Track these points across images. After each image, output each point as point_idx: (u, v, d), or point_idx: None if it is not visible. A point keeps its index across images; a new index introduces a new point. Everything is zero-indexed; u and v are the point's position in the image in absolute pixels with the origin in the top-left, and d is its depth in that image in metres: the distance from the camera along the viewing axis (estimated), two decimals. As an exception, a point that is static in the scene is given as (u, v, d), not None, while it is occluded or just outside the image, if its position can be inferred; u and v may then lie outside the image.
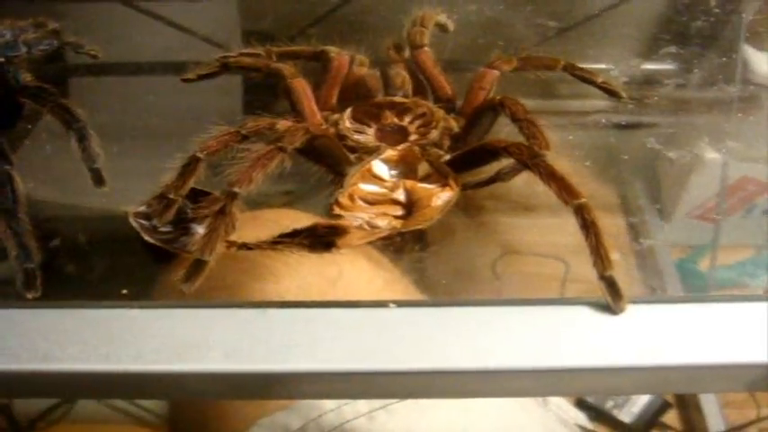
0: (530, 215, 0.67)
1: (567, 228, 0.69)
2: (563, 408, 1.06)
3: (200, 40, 0.93)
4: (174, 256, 0.65)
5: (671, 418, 1.46)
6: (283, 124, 0.63)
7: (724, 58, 0.86)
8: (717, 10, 0.92)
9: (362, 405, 0.81)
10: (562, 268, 0.68)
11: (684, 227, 0.81)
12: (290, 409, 0.80)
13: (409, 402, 0.83)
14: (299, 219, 0.69)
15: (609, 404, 1.48)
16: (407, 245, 0.68)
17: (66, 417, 1.56)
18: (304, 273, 0.70)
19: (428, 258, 0.67)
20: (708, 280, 0.70)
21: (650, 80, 0.84)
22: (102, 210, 0.69)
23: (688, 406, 1.45)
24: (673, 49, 0.87)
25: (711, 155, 0.76)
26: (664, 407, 1.47)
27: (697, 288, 0.75)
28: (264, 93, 0.79)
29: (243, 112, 0.86)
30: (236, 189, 0.57)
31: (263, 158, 0.57)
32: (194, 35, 0.93)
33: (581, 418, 1.26)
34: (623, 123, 0.79)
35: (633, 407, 1.48)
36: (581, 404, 1.44)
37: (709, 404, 1.41)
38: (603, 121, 0.80)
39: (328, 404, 0.79)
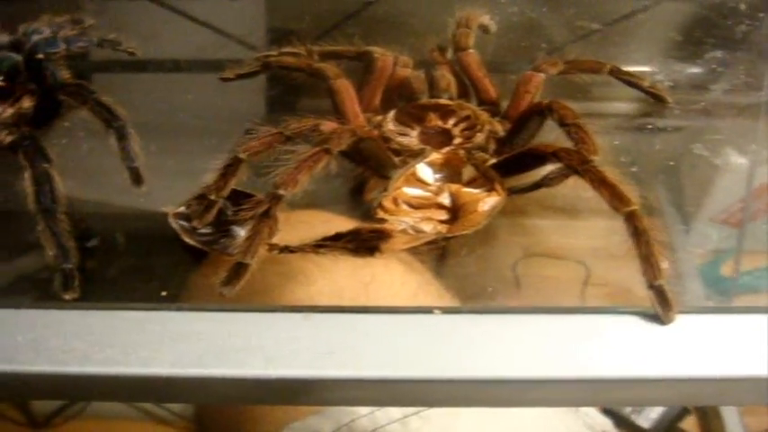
0: (550, 217, 0.66)
1: (587, 231, 0.68)
2: (590, 414, 1.05)
3: (227, 38, 0.92)
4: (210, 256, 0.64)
5: (689, 424, 1.45)
6: (327, 126, 0.61)
7: (757, 63, 0.85)
8: (756, 13, 0.90)
9: (395, 410, 0.80)
10: (583, 272, 0.67)
11: (708, 231, 0.79)
12: (323, 413, 0.79)
13: (441, 408, 0.81)
14: (331, 220, 0.68)
15: (627, 409, 1.46)
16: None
17: (82, 413, 1.56)
18: (337, 276, 0.69)
19: (448, 260, 0.66)
20: (730, 285, 0.69)
21: (683, 84, 0.82)
22: (139, 209, 0.68)
23: (706, 412, 1.43)
24: (705, 51, 0.85)
25: (737, 159, 0.74)
26: (682, 413, 1.45)
27: (719, 294, 0.74)
28: (292, 91, 0.79)
29: (268, 111, 0.84)
30: (281, 191, 0.56)
31: (310, 160, 0.56)
32: (221, 33, 0.92)
33: (608, 424, 1.24)
34: (651, 127, 0.78)
35: (652, 412, 1.46)
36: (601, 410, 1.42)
37: (729, 410, 1.39)
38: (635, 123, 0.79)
39: (361, 409, 0.78)
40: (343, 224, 0.66)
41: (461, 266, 0.65)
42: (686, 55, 0.85)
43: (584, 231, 0.69)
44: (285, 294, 0.64)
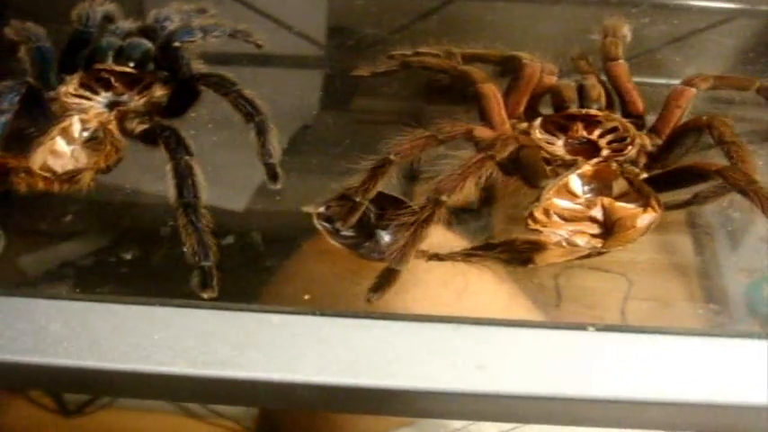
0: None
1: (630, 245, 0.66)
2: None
3: (290, 32, 0.91)
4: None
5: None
6: (480, 131, 0.60)
7: None
8: None
9: (489, 426, 0.78)
10: (625, 285, 0.65)
11: (754, 251, 0.77)
12: (415, 425, 0.77)
13: (536, 426, 0.80)
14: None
15: None
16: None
17: (114, 403, 1.55)
18: (432, 283, 0.68)
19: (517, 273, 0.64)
20: None
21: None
22: (271, 206, 0.66)
23: None
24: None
25: None
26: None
27: (761, 314, 0.72)
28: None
29: (321, 108, 0.83)
30: (443, 197, 0.54)
31: (473, 166, 0.55)
32: (287, 28, 0.91)
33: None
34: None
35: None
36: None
37: None
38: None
39: (454, 423, 0.76)
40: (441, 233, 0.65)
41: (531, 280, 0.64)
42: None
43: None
44: (380, 302, 0.62)
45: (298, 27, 0.92)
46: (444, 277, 0.66)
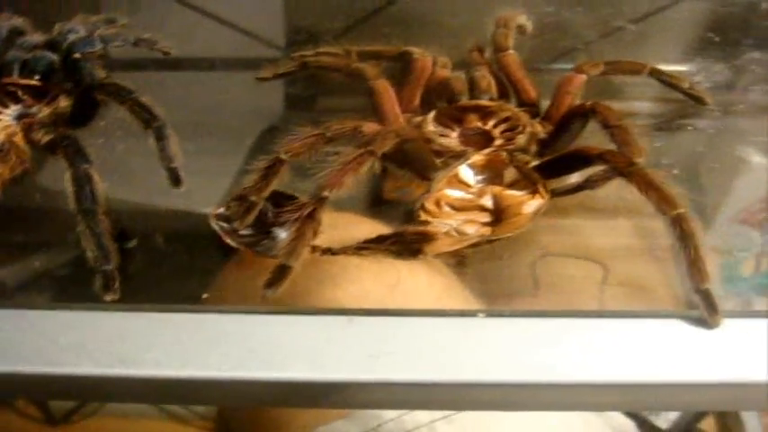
0: (568, 217, 0.65)
1: (604, 230, 0.68)
2: (614, 416, 1.04)
3: (247, 36, 0.92)
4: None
5: (708, 425, 1.43)
6: (369, 127, 0.61)
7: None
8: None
9: (423, 415, 0.79)
10: (601, 271, 0.66)
11: (728, 231, 0.79)
12: (350, 417, 0.78)
13: (469, 413, 0.81)
14: (359, 222, 0.68)
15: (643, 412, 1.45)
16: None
17: (100, 411, 1.56)
18: (363, 278, 0.69)
19: (467, 258, 0.65)
20: (750, 285, 0.68)
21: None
22: (176, 210, 0.67)
23: (725, 413, 1.42)
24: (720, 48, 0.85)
25: (758, 158, 0.74)
26: (700, 414, 1.44)
27: (738, 293, 0.73)
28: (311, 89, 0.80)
29: (287, 109, 0.84)
30: (325, 193, 0.56)
31: (354, 162, 0.56)
32: (241, 31, 0.91)
33: (630, 426, 1.24)
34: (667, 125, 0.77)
35: (670, 413, 1.45)
36: (622, 411, 1.41)
37: (748, 411, 1.37)
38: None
39: (388, 413, 0.77)
40: (371, 226, 0.66)
41: (480, 267, 0.64)
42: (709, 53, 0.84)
43: (602, 231, 0.68)
44: (311, 298, 0.64)
45: (255, 31, 0.93)
46: (377, 272, 0.67)
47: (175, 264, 0.64)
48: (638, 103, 0.80)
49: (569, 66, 0.73)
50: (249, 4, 0.99)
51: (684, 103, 0.76)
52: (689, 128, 0.76)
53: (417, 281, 0.69)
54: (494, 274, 0.65)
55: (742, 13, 0.92)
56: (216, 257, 0.66)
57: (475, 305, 0.65)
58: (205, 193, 0.67)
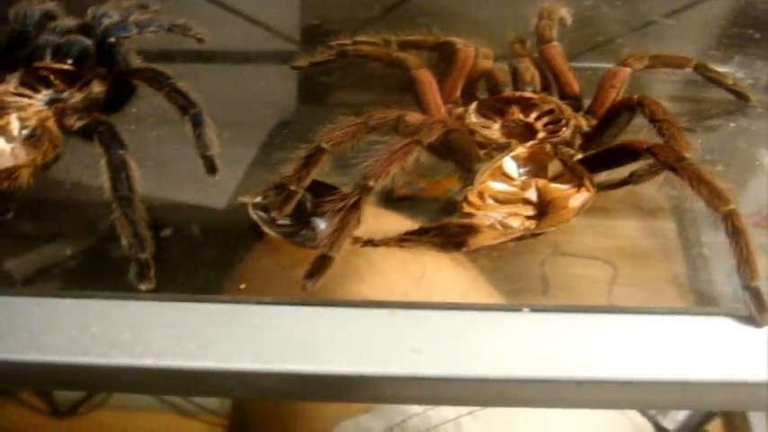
0: (579, 216, 0.64)
1: (614, 230, 0.67)
2: (633, 416, 1.04)
3: (262, 28, 0.92)
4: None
5: (715, 426, 1.43)
6: (412, 117, 0.60)
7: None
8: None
9: (448, 410, 0.79)
10: (610, 271, 0.65)
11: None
12: (374, 411, 0.78)
13: (495, 408, 0.80)
14: (379, 215, 0.67)
15: (652, 411, 1.45)
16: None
17: (106, 403, 1.56)
18: (387, 272, 0.68)
19: (476, 257, 0.64)
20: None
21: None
22: (211, 198, 0.66)
23: (732, 414, 1.42)
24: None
25: None
26: (708, 415, 1.43)
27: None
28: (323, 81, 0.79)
29: (300, 102, 0.84)
30: (370, 183, 0.55)
31: (400, 152, 0.55)
32: (255, 23, 0.91)
33: (648, 426, 1.24)
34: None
35: (678, 414, 1.44)
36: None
37: (755, 413, 1.37)
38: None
39: (413, 408, 0.77)
40: (393, 219, 0.66)
41: (491, 264, 0.63)
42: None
43: (611, 231, 0.67)
44: (336, 290, 0.63)
45: (271, 24, 0.92)
46: (401, 265, 0.66)
47: (209, 253, 0.63)
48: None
49: (596, 63, 0.73)
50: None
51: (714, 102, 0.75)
52: (720, 126, 0.75)
53: (442, 274, 0.69)
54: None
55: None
56: (250, 247, 0.65)
57: (499, 300, 0.64)
58: (219, 183, 0.65)
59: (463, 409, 0.79)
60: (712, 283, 0.62)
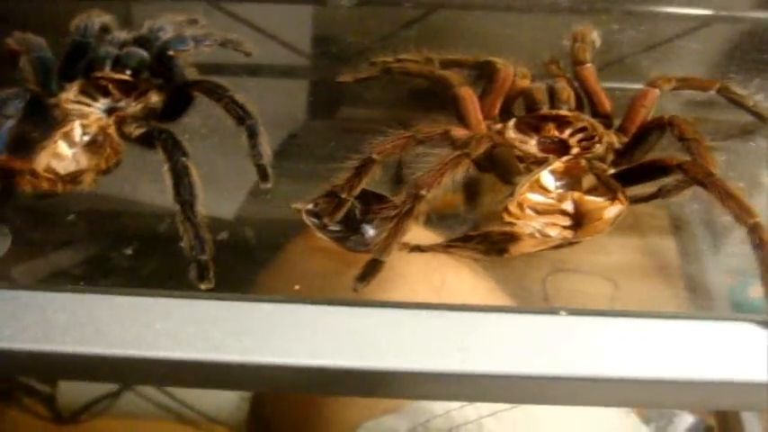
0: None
1: (613, 247, 0.70)
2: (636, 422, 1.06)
3: (277, 42, 0.95)
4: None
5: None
6: (457, 131, 0.64)
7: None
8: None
9: (471, 411, 0.81)
10: (611, 288, 0.68)
11: (738, 253, 0.80)
12: (398, 412, 0.79)
13: (517, 410, 0.82)
14: None
15: (651, 426, 1.47)
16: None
17: (108, 410, 1.56)
18: (410, 280, 0.71)
19: (496, 268, 0.67)
20: (756, 308, 0.70)
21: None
22: (260, 204, 0.70)
23: (731, 430, 1.43)
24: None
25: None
26: (707, 430, 1.45)
27: None
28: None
29: (309, 118, 0.87)
30: (423, 192, 0.58)
31: (450, 163, 0.59)
32: (273, 38, 0.94)
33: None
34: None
35: (676, 429, 1.46)
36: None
37: (753, 427, 1.39)
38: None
39: (437, 408, 0.79)
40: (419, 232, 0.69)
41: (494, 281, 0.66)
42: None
43: (612, 248, 0.70)
44: (360, 297, 0.66)
45: (284, 38, 0.95)
46: (422, 273, 0.69)
47: (261, 256, 0.66)
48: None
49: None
50: (278, 12, 1.02)
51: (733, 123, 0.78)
52: (740, 146, 0.79)
53: (462, 284, 0.71)
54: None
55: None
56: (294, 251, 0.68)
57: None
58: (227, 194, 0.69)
59: (485, 410, 0.82)
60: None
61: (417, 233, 0.67)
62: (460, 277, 0.73)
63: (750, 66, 0.87)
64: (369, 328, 0.58)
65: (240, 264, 0.66)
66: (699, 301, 0.66)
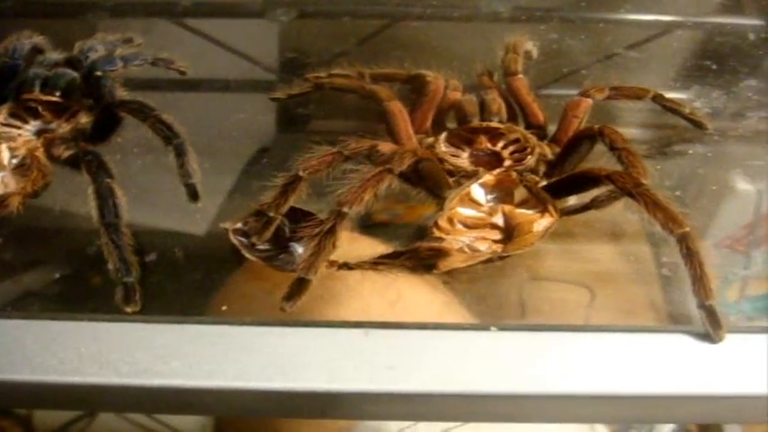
0: (556, 241, 0.67)
1: (591, 255, 0.70)
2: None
3: (244, 58, 0.94)
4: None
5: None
6: (385, 146, 0.63)
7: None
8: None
9: (423, 427, 0.80)
10: (587, 296, 0.68)
11: (714, 256, 0.81)
12: (351, 430, 0.79)
13: (469, 427, 0.82)
14: (356, 240, 0.69)
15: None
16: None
17: (86, 430, 1.55)
18: (364, 294, 0.70)
19: (455, 282, 0.67)
20: (734, 311, 0.70)
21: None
22: (193, 224, 0.69)
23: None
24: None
25: (744, 185, 0.76)
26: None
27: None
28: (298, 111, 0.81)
29: (278, 131, 0.86)
30: (345, 209, 0.58)
31: (373, 180, 0.58)
32: (239, 55, 0.94)
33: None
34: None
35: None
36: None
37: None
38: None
39: (391, 426, 0.79)
40: (368, 244, 0.68)
41: (469, 289, 0.66)
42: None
43: (587, 255, 0.70)
44: (314, 313, 0.65)
45: (251, 54, 0.95)
46: (378, 288, 0.68)
47: (192, 277, 0.66)
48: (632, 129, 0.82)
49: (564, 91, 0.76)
50: (244, 27, 1.01)
51: (676, 129, 0.78)
52: (680, 153, 0.79)
53: (417, 298, 0.71)
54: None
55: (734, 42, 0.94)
56: (231, 271, 0.67)
57: (472, 321, 0.66)
58: (200, 210, 0.68)
59: (436, 428, 0.81)
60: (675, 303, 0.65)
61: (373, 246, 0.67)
62: (416, 291, 0.72)
63: (693, 74, 0.87)
64: (297, 349, 0.57)
65: (171, 285, 0.65)
66: (675, 306, 0.65)
